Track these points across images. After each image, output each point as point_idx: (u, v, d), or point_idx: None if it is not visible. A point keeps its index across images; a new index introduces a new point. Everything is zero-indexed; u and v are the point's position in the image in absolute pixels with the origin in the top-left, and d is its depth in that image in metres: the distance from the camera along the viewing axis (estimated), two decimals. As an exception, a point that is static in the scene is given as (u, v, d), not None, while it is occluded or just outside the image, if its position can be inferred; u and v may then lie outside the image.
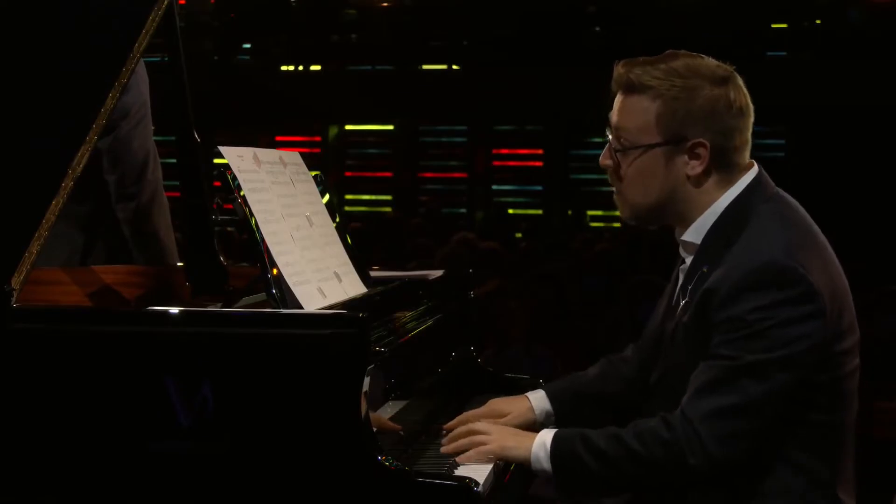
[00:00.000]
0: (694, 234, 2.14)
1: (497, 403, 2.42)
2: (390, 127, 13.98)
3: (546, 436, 2.11)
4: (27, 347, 2.01)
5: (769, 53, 11.70)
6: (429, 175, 14.04)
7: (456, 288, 2.86)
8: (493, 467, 2.16)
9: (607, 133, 2.18)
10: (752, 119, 2.14)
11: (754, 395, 1.97)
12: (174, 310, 2.04)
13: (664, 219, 2.18)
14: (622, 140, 2.12)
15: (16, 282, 2.03)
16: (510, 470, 2.23)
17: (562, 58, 11.65)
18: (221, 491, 1.96)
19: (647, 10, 11.49)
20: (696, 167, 2.09)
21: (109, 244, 2.81)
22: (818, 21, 11.59)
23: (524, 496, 2.47)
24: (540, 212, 13.28)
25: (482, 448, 2.16)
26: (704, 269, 2.08)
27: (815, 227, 2.12)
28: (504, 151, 13.74)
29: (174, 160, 2.41)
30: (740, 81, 2.13)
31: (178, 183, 2.43)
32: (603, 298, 5.70)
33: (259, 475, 1.95)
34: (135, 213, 2.81)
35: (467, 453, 2.16)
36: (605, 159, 2.17)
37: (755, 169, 2.15)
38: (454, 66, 13.01)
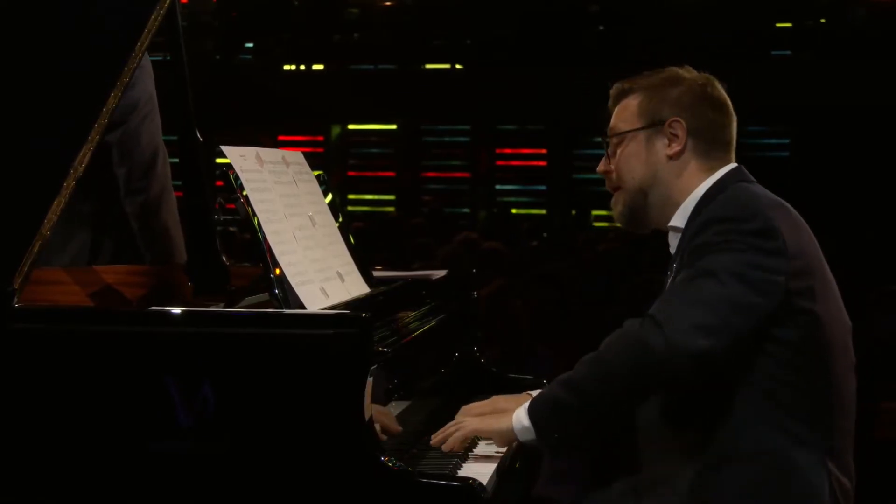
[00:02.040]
0: (679, 218, 2.24)
1: (499, 400, 2.42)
2: (393, 126, 13.98)
3: (525, 403, 2.16)
4: (28, 347, 2.01)
5: (773, 53, 11.69)
6: (431, 175, 14.04)
7: (459, 288, 2.86)
8: (497, 468, 2.16)
9: (604, 145, 2.34)
10: (733, 120, 2.27)
11: (711, 293, 2.02)
12: (176, 310, 2.04)
13: (649, 209, 2.27)
14: (613, 137, 2.30)
15: (17, 282, 2.03)
16: (513, 470, 2.23)
17: (564, 57, 11.65)
18: (223, 491, 1.96)
19: (649, 10, 11.48)
20: (674, 146, 2.24)
21: (116, 241, 2.80)
22: (822, 20, 11.57)
23: (527, 497, 2.46)
24: (543, 212, 13.27)
25: (466, 427, 2.18)
26: (686, 240, 2.16)
27: (793, 210, 2.19)
28: (507, 151, 13.73)
29: (176, 160, 2.40)
30: (718, 84, 2.29)
31: (180, 182, 2.42)
32: (606, 298, 5.69)
33: (261, 476, 1.94)
34: (143, 208, 2.81)
35: (455, 436, 2.17)
36: (601, 166, 2.35)
37: (736, 164, 2.27)
38: (457, 66, 13.01)
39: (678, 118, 2.23)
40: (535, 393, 2.40)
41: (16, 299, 2.03)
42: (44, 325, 2.02)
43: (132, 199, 2.80)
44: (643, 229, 2.33)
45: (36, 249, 2.06)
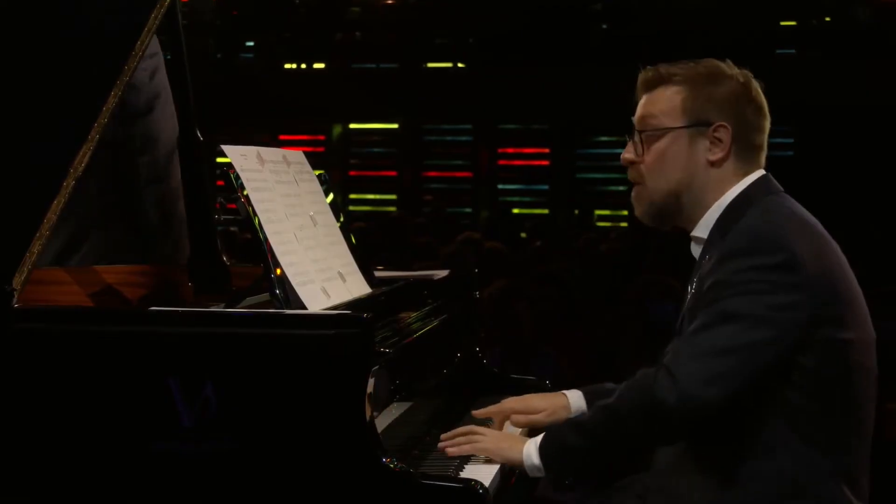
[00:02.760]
0: (703, 229, 2.17)
1: (533, 398, 2.41)
2: (395, 126, 13.97)
3: (538, 436, 2.15)
4: (28, 348, 2.01)
5: (778, 51, 11.67)
6: (433, 174, 14.03)
7: (461, 288, 2.84)
8: (499, 469, 2.15)
9: (627, 137, 2.21)
10: (768, 124, 2.19)
11: (727, 342, 1.98)
12: (176, 310, 2.04)
13: (677, 212, 2.19)
14: (647, 128, 2.17)
15: (17, 282, 2.03)
16: (515, 473, 2.22)
17: (567, 56, 11.64)
18: (224, 492, 1.95)
19: (653, 8, 11.47)
20: (717, 152, 2.14)
21: (109, 238, 2.77)
22: (827, 19, 11.56)
23: (530, 499, 2.45)
24: (546, 211, 13.26)
25: (477, 444, 2.18)
26: (707, 258, 2.11)
27: (819, 225, 2.13)
28: (509, 150, 13.72)
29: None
30: (756, 83, 2.19)
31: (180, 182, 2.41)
32: (608, 298, 5.68)
33: (262, 476, 1.93)
34: (165, 196, 2.78)
35: (462, 447, 2.17)
36: (627, 153, 2.21)
37: (762, 171, 2.19)
38: (459, 65, 13.01)
39: (725, 123, 2.12)
40: (569, 394, 2.40)
41: (15, 299, 2.02)
42: (44, 325, 2.02)
43: (154, 187, 2.77)
44: (666, 227, 2.25)
45: (36, 249, 2.06)
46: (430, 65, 13.09)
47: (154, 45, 2.56)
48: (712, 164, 2.14)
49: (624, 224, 11.74)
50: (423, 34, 12.87)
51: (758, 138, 2.17)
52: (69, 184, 2.09)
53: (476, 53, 12.74)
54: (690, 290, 2.16)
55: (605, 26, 12.14)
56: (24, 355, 2.00)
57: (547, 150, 13.50)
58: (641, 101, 2.19)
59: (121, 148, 2.72)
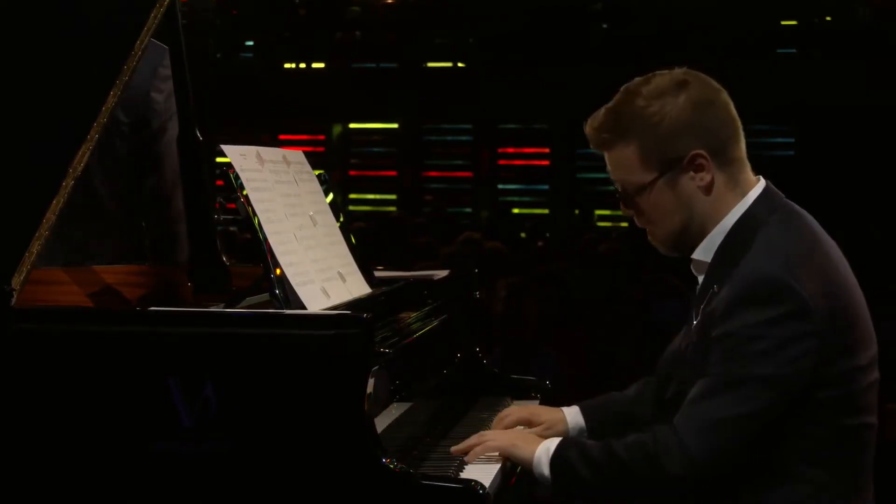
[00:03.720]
0: (703, 252, 2.14)
1: (536, 408, 2.44)
2: (395, 125, 13.97)
3: (551, 443, 2.14)
4: (27, 348, 2.00)
5: (778, 51, 11.67)
6: (433, 174, 14.04)
7: (461, 288, 2.84)
8: (500, 470, 2.15)
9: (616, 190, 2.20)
10: (730, 103, 2.12)
11: (738, 411, 1.98)
12: (176, 310, 2.04)
13: (694, 238, 2.16)
14: (627, 189, 2.15)
15: (16, 282, 2.02)
16: (516, 473, 2.22)
17: (568, 55, 11.65)
18: (224, 492, 1.94)
19: (653, 7, 11.47)
20: (704, 177, 2.09)
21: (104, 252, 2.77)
22: (828, 18, 11.56)
23: (530, 499, 2.45)
24: (546, 211, 13.26)
25: (490, 444, 2.18)
26: (714, 289, 2.08)
27: (824, 237, 2.11)
28: (509, 150, 13.72)
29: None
30: (699, 75, 2.12)
31: (179, 182, 2.41)
32: (609, 299, 5.68)
33: (262, 477, 1.93)
34: (168, 220, 2.77)
35: (475, 449, 2.17)
36: (624, 209, 2.19)
37: (762, 183, 2.14)
38: (459, 64, 13.01)
39: (694, 150, 2.06)
40: (567, 410, 2.40)
41: (14, 299, 2.01)
42: (43, 325, 2.01)
43: (157, 210, 2.79)
44: (688, 254, 2.20)
45: (35, 249, 2.05)
46: (430, 64, 13.10)
47: (167, 66, 2.56)
48: (704, 189, 2.09)
49: (624, 224, 11.73)
50: (423, 34, 12.88)
51: (727, 129, 2.09)
52: (68, 184, 2.08)
53: (476, 53, 12.75)
54: (695, 316, 2.15)
55: (605, 26, 12.14)
56: (24, 355, 1.99)
57: (547, 150, 13.51)
58: (607, 161, 2.16)
59: (130, 164, 2.74)
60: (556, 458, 2.10)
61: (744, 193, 2.11)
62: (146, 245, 2.77)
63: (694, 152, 2.07)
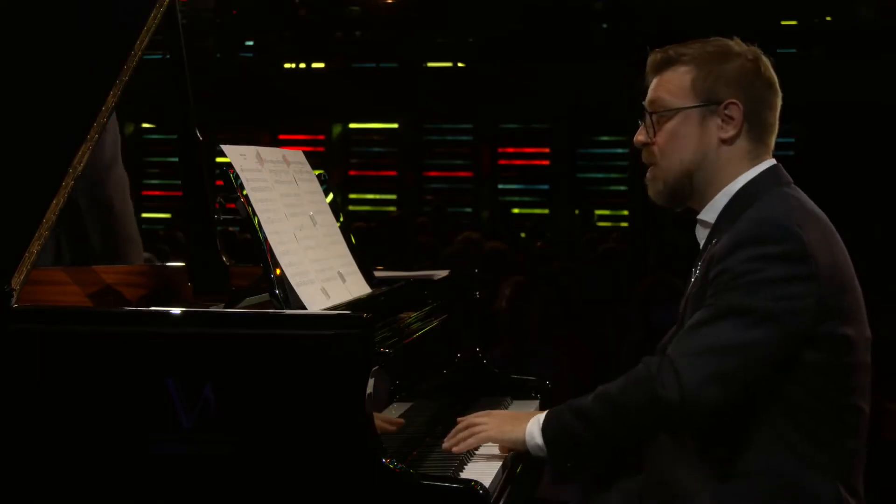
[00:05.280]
0: (710, 213, 2.16)
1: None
2: (395, 125, 13.96)
3: (541, 415, 2.14)
4: (27, 348, 2.00)
5: (779, 51, 11.66)
6: (434, 174, 14.02)
7: (461, 288, 2.84)
8: (500, 469, 2.14)
9: (639, 121, 2.21)
10: (780, 101, 2.19)
11: (732, 339, 1.98)
12: (176, 310, 2.03)
13: (690, 192, 2.18)
14: (660, 109, 2.17)
15: (16, 282, 2.02)
16: (516, 472, 2.21)
17: (568, 55, 11.63)
18: (224, 493, 1.94)
19: (654, 6, 11.46)
20: (729, 130, 2.14)
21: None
22: (828, 18, 11.55)
23: (531, 498, 2.45)
24: (546, 211, 13.25)
25: (481, 434, 2.17)
26: (714, 242, 2.10)
27: (827, 219, 2.13)
28: (510, 150, 13.71)
29: (176, 158, 2.39)
30: (766, 59, 2.19)
31: (179, 182, 2.41)
32: (609, 298, 5.67)
33: (262, 477, 1.93)
34: (104, 211, 2.80)
35: (467, 441, 2.17)
36: (639, 136, 2.21)
37: (774, 161, 2.19)
38: (459, 64, 13.00)
39: (735, 100, 2.12)
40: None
41: (14, 299, 2.01)
42: (43, 325, 2.01)
43: (94, 202, 2.80)
44: (679, 208, 2.24)
45: (35, 250, 2.05)
46: (431, 64, 13.08)
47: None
48: (724, 141, 2.14)
49: (624, 224, 11.73)
50: (423, 34, 12.86)
51: (769, 116, 2.16)
52: (68, 184, 2.09)
53: (476, 53, 12.73)
54: (695, 273, 2.16)
55: (605, 25, 12.13)
56: (24, 355, 1.99)
57: (547, 150, 13.49)
58: (652, 84, 2.19)
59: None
60: (548, 424, 2.11)
61: (756, 164, 2.15)
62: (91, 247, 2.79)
63: (731, 101, 2.12)
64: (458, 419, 2.27)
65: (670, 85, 2.16)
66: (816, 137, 11.59)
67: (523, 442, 2.13)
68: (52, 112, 2.18)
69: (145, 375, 1.95)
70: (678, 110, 2.14)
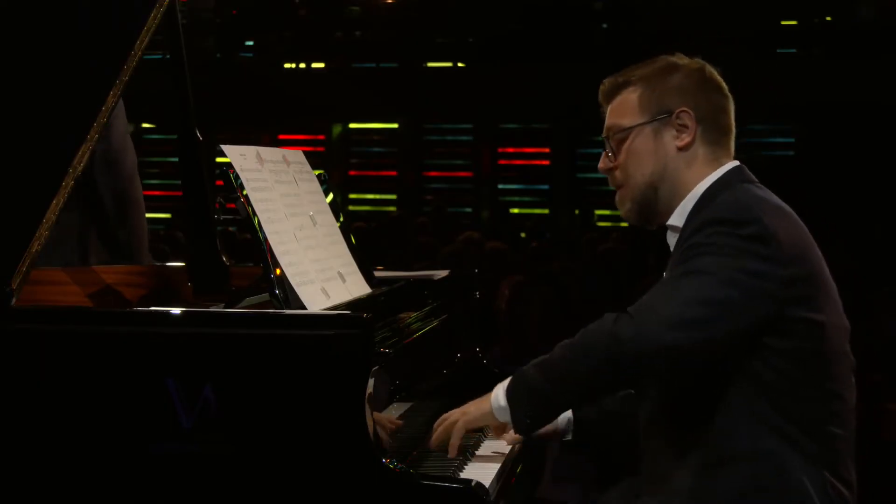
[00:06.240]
0: (678, 217, 2.19)
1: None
2: (395, 125, 13.96)
3: (506, 380, 2.16)
4: (27, 348, 2.00)
5: (779, 51, 11.67)
6: (434, 174, 14.02)
7: (461, 288, 2.84)
8: (500, 469, 2.14)
9: (602, 150, 2.27)
10: (732, 105, 2.23)
11: (692, 293, 2.00)
12: (175, 310, 2.03)
13: (657, 206, 2.22)
14: (615, 134, 2.23)
15: (16, 282, 2.02)
16: (516, 472, 2.21)
17: (568, 55, 11.63)
18: (224, 493, 1.94)
19: (654, 6, 11.46)
20: (684, 137, 2.18)
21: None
22: (828, 18, 11.56)
23: (532, 498, 2.45)
24: (546, 211, 13.25)
25: (447, 423, 2.19)
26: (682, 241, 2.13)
27: (793, 213, 2.16)
28: (510, 150, 13.71)
29: (176, 159, 2.39)
30: (711, 67, 2.23)
31: (179, 182, 2.41)
32: (609, 299, 5.67)
33: (262, 477, 1.93)
34: (118, 180, 2.81)
35: (438, 431, 2.19)
36: (602, 163, 2.27)
37: (737, 163, 2.22)
38: (459, 64, 13.00)
39: (685, 108, 2.18)
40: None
41: (14, 299, 2.01)
42: (43, 325, 2.01)
43: (107, 171, 2.80)
44: (653, 225, 2.27)
45: (35, 250, 2.05)
46: (431, 64, 13.08)
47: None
48: (681, 149, 2.18)
49: (624, 224, 11.71)
50: (423, 34, 12.86)
51: (723, 118, 2.21)
52: (68, 184, 2.09)
53: (476, 53, 12.73)
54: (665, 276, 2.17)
55: (605, 25, 12.13)
56: (23, 356, 2.00)
57: (547, 150, 13.50)
58: (606, 113, 2.26)
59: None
60: (511, 384, 2.13)
61: (719, 167, 2.19)
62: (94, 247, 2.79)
63: (682, 109, 2.17)
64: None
65: (621, 108, 2.22)
66: (816, 137, 11.59)
67: (490, 411, 2.15)
68: (53, 112, 2.18)
69: (145, 375, 1.95)
70: (632, 128, 2.20)
